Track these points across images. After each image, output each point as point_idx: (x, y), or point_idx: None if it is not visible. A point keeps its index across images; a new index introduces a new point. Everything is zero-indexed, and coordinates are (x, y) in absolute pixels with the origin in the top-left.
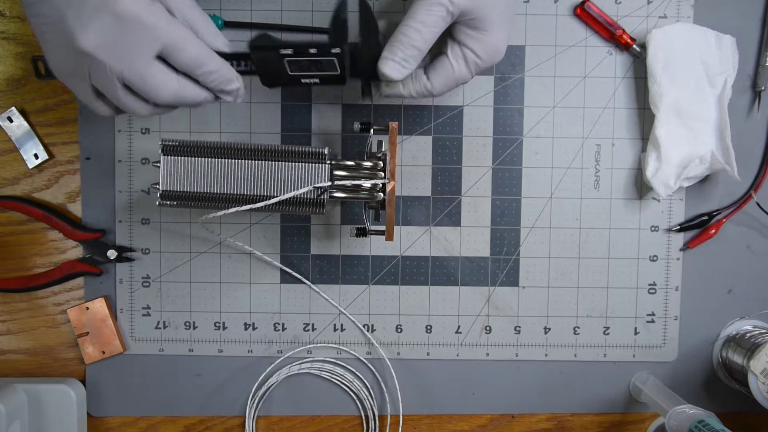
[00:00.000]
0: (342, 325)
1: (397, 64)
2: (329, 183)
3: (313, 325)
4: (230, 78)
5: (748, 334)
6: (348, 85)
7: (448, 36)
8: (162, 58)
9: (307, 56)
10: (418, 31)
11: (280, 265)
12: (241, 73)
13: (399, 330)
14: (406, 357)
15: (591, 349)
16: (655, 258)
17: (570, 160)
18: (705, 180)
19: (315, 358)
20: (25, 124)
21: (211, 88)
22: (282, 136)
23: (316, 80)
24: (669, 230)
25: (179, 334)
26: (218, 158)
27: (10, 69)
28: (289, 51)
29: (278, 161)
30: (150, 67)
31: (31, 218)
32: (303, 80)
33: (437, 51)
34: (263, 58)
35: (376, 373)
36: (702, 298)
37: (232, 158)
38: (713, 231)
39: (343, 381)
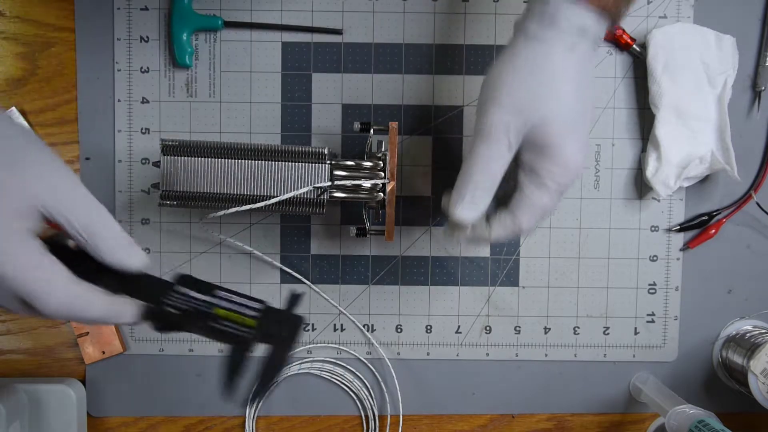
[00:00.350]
0: (342, 325)
1: (468, 205)
2: (329, 183)
3: (313, 325)
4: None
5: (748, 334)
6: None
7: (518, 165)
8: None
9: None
10: (483, 168)
11: (280, 265)
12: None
13: (399, 330)
14: (406, 357)
15: (591, 349)
16: (655, 258)
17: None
18: (705, 180)
19: (315, 358)
20: (25, 124)
21: None
22: (282, 136)
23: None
24: (669, 230)
25: (179, 334)
26: (218, 158)
27: (10, 69)
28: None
29: (278, 161)
30: (12, 303)
31: None
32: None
33: (513, 184)
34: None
35: (376, 373)
36: (702, 298)
37: (232, 158)
38: (713, 231)
39: (343, 381)
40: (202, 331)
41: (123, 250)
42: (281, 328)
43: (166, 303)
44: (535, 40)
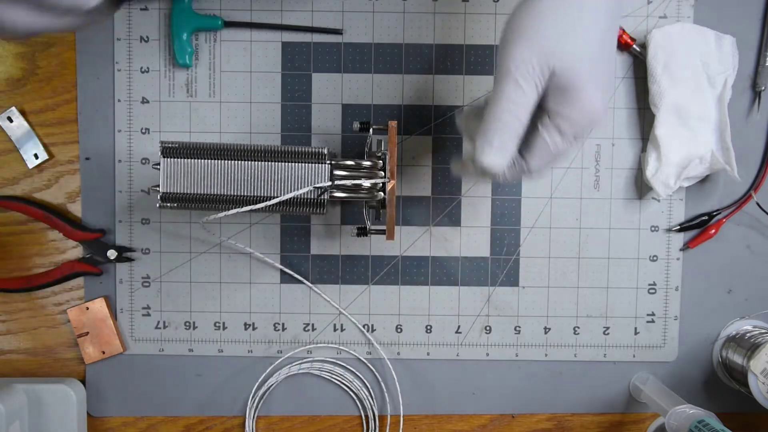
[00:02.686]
0: (342, 325)
1: (497, 150)
2: (330, 183)
3: (313, 325)
4: None
5: (748, 334)
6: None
7: (537, 108)
8: None
9: None
10: (510, 111)
11: (280, 266)
12: None
13: (399, 330)
14: (406, 357)
15: (591, 349)
16: (655, 258)
17: (570, 160)
18: (705, 180)
19: (315, 358)
20: (25, 124)
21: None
22: (282, 136)
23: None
24: (669, 230)
25: (179, 334)
26: (218, 160)
27: (10, 69)
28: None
29: (278, 162)
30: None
31: (31, 218)
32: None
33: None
34: None
35: (376, 373)
36: (702, 298)
37: (232, 159)
38: (713, 231)
39: (343, 381)
40: None
41: None
42: None
43: None
44: None
